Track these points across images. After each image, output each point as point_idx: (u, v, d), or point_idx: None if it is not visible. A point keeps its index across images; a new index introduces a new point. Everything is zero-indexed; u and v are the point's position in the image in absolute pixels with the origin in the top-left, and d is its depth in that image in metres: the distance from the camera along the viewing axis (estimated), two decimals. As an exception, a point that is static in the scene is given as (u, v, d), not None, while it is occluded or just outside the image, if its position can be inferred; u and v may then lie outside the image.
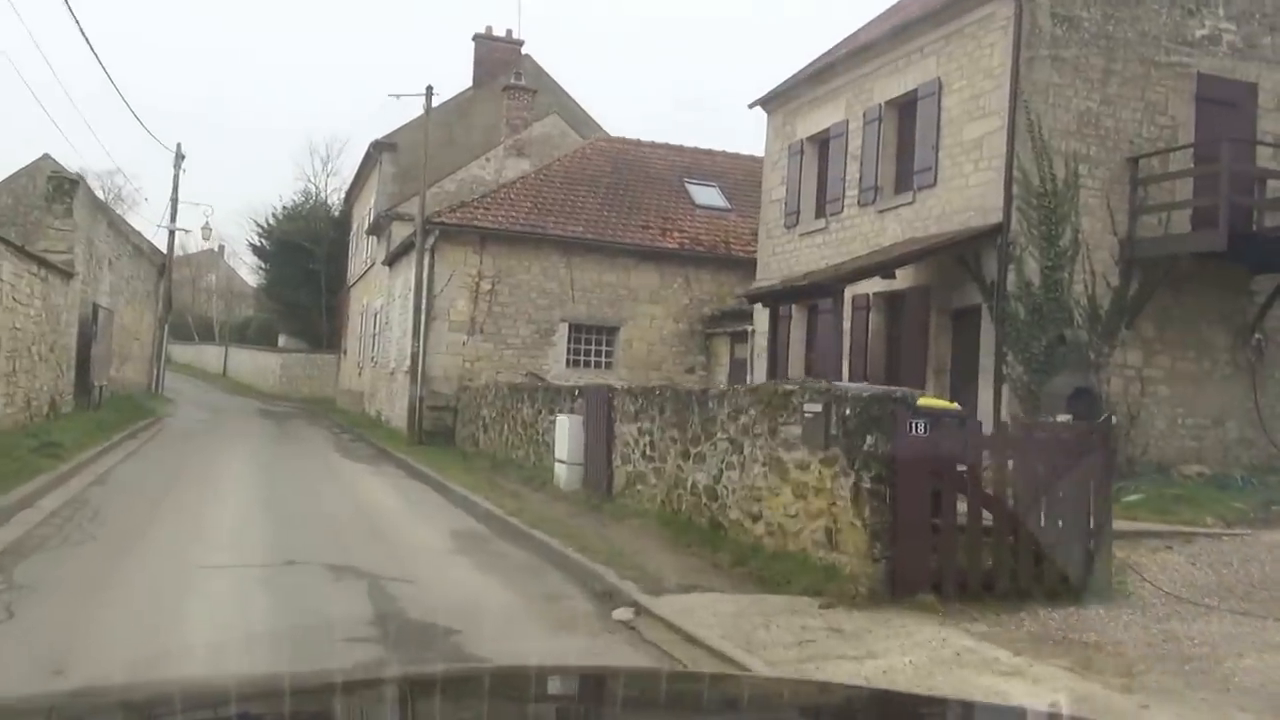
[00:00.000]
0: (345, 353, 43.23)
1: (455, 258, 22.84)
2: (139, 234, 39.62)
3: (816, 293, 16.88)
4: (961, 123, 16.18)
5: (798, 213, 20.97)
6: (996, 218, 15.09)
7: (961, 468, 7.54)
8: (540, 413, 16.58)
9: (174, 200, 40.67)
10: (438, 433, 22.56)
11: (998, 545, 7.47)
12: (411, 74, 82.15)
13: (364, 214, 40.03)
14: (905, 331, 17.44)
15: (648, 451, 11.85)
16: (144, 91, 74.57)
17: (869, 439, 7.49)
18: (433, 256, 22.77)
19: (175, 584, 7.77)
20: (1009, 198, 14.96)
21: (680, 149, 28.56)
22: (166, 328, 41.61)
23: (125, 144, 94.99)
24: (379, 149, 35.52)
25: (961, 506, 7.57)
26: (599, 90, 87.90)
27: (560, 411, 15.08)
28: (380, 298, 33.19)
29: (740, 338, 23.30)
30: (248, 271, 68.91)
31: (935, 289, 16.63)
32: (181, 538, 10.18)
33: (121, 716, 2.22)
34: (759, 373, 21.64)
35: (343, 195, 50.56)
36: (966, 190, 15.94)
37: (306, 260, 51.53)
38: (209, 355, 68.21)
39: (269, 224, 54.63)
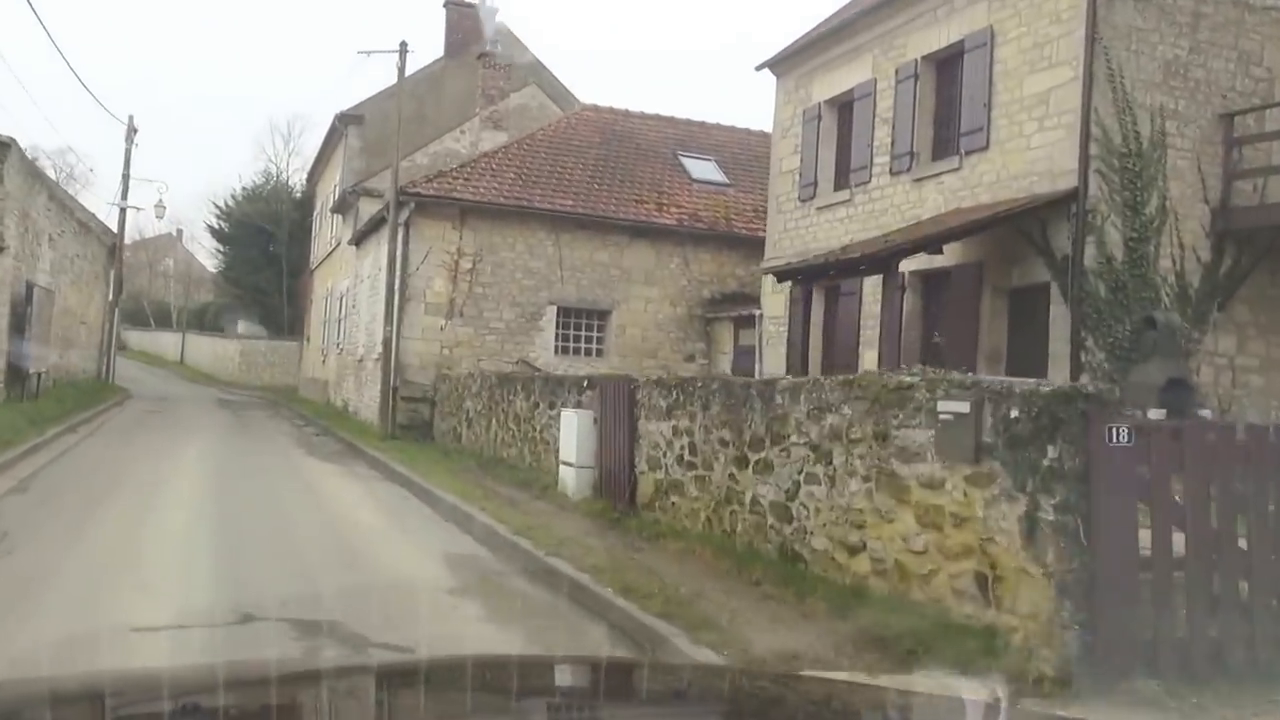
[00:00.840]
0: (308, 339, 40.92)
1: (432, 233, 20.58)
2: (87, 210, 36.78)
3: (872, 266, 14.71)
4: (1020, 75, 14.18)
5: (815, 184, 18.91)
6: (1068, 182, 13.13)
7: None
8: (538, 407, 14.42)
9: (125, 176, 38.09)
10: (413, 426, 20.34)
11: (1228, 602, 5.43)
12: (378, 44, 79.02)
13: (328, 192, 37.68)
14: (950, 314, 15.45)
15: (686, 456, 9.73)
16: (99, 72, 71.10)
17: (1050, 451, 5.42)
18: (407, 231, 20.50)
19: (87, 662, 5.56)
20: (1085, 159, 12.98)
21: (672, 120, 26.41)
22: (118, 312, 38.95)
23: (79, 125, 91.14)
24: (344, 121, 33.20)
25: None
26: (575, 63, 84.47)
27: (565, 406, 12.94)
28: (346, 279, 30.85)
29: (745, 322, 21.24)
30: (207, 256, 66.10)
31: (989, 265, 14.64)
32: (109, 575, 7.98)
33: (49, 708, 2.07)
34: (770, 361, 19.60)
35: (305, 176, 48.09)
36: (1028, 152, 13.95)
37: (267, 243, 49.29)
38: (165, 342, 66.20)
39: (228, 205, 52.20)
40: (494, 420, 16.52)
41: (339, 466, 16.79)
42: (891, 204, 16.73)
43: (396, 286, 20.27)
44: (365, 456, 17.83)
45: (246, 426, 24.44)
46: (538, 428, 14.34)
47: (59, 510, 11.09)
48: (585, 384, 12.59)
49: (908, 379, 6.65)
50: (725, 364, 21.75)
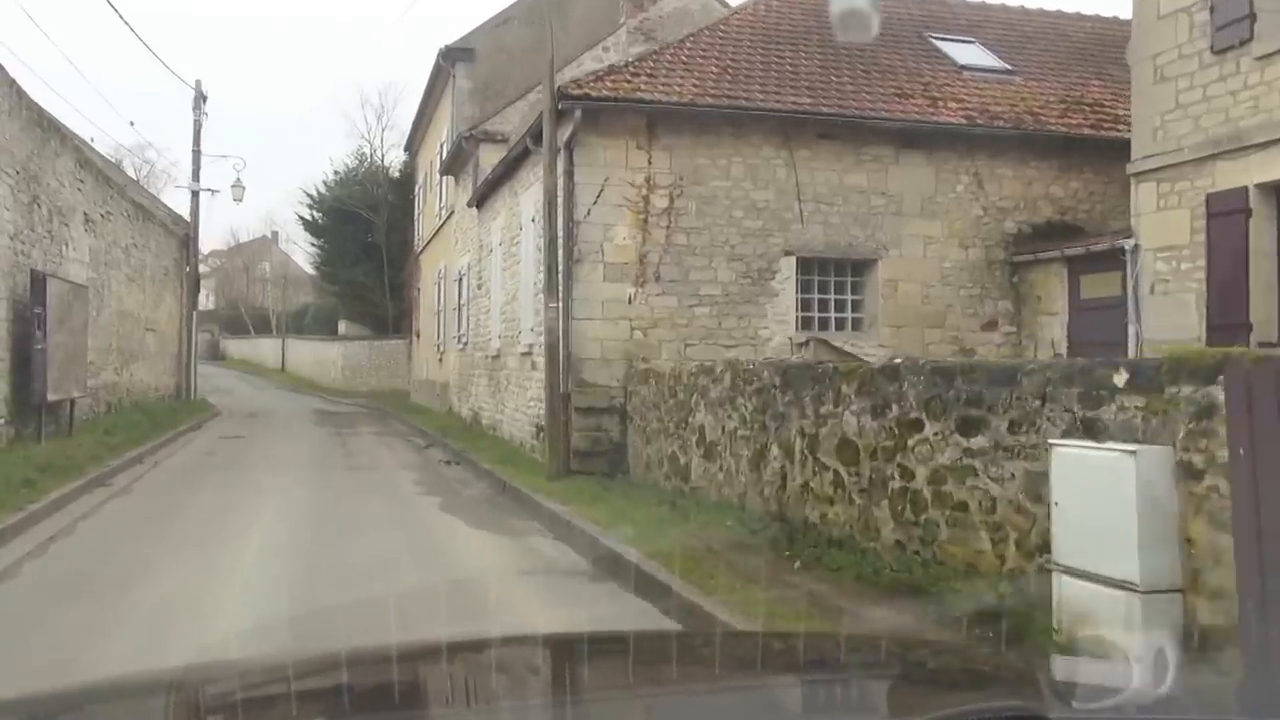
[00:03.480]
0: (417, 335, 34.56)
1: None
2: (149, 193, 31.04)
3: None
4: None
5: (1247, 19, 11.38)
6: None
7: None
8: (919, 429, 7.16)
9: (196, 153, 31.95)
10: (595, 453, 13.37)
11: None
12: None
13: (433, 156, 31.15)
14: None
15: None
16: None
17: None
18: (570, 157, 13.50)
19: None
20: None
21: (903, -5, 18.98)
22: (196, 315, 32.93)
23: (159, 124, 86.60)
24: (450, 58, 26.41)
25: None
26: None
27: (1038, 431, 5.74)
28: (466, 255, 24.14)
29: (1089, 265, 13.78)
30: (304, 258, 60.75)
31: None
32: None
33: (239, 689, 2.12)
34: (1161, 320, 12.16)
35: (403, 148, 41.74)
36: None
37: (364, 232, 43.28)
38: (265, 349, 61.82)
39: (319, 193, 46.22)
40: (773, 449, 9.37)
41: (504, 539, 9.83)
42: None
43: (559, 240, 13.26)
44: (540, 512, 10.88)
45: (351, 455, 17.82)
46: (920, 474, 7.11)
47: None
48: (1121, 377, 5.26)
49: None
50: (1055, 330, 14.32)
